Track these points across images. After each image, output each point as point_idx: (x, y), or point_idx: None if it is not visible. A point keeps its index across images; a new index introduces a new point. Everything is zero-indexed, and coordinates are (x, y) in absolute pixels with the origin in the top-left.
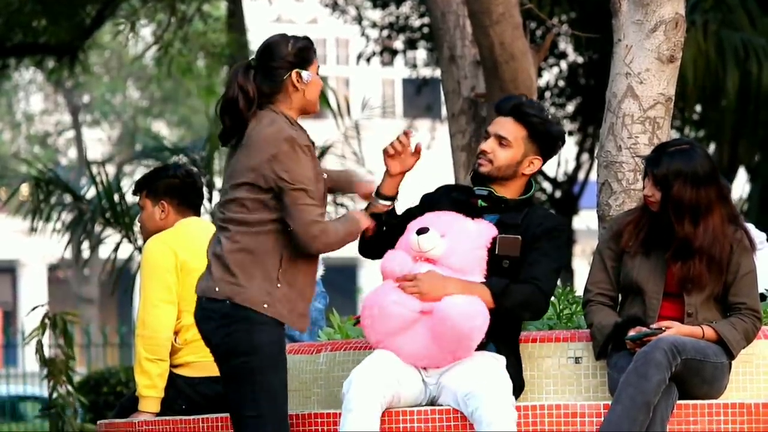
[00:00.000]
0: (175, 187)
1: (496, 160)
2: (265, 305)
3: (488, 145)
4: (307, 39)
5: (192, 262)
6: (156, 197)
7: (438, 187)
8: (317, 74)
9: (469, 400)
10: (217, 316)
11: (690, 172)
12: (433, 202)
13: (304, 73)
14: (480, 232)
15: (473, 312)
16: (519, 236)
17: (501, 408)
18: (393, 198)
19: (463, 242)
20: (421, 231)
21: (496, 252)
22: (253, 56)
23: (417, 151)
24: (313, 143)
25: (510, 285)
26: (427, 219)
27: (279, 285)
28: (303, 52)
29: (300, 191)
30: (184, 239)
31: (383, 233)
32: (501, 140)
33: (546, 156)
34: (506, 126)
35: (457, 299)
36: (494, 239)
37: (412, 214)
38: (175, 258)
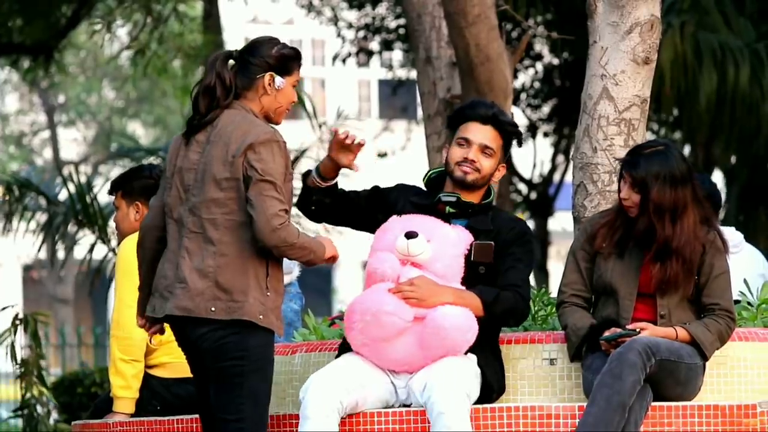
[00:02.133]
0: (149, 188)
1: (482, 169)
2: (261, 316)
3: (474, 154)
4: (294, 50)
5: None
6: (131, 198)
7: (394, 185)
8: (293, 88)
9: (425, 391)
10: (210, 325)
11: (668, 173)
12: (390, 200)
13: (278, 79)
14: (460, 239)
15: (466, 326)
16: (492, 242)
17: (453, 398)
18: (329, 179)
19: (446, 248)
20: (410, 235)
21: (472, 258)
22: (229, 50)
23: (357, 146)
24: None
25: (500, 294)
26: (407, 221)
27: (268, 294)
28: (285, 59)
29: (268, 183)
30: None
31: (316, 202)
32: (485, 149)
33: (506, 164)
34: (489, 135)
35: (451, 310)
36: (470, 245)
37: (363, 195)
38: None
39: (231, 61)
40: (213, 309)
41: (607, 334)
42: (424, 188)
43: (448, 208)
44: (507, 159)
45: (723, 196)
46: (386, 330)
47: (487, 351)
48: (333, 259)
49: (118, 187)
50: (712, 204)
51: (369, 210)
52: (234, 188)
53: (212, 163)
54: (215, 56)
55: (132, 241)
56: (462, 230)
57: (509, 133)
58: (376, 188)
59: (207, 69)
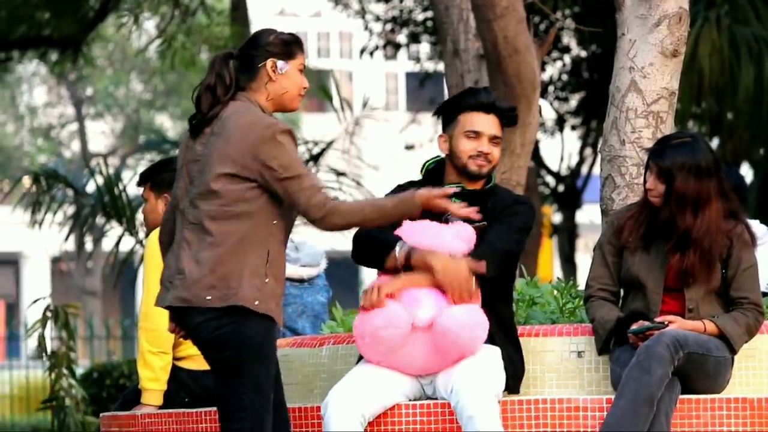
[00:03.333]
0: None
1: (494, 159)
2: (257, 302)
3: (486, 146)
4: (293, 35)
5: None
6: (159, 190)
7: (399, 186)
8: (301, 73)
9: (453, 394)
10: (206, 314)
11: (693, 164)
12: None
13: (280, 63)
14: (460, 244)
15: (473, 322)
16: (485, 222)
17: (482, 402)
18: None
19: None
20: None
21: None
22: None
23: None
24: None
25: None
26: (409, 234)
27: (267, 280)
28: (285, 44)
29: (291, 180)
30: None
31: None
32: (494, 139)
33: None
34: (495, 124)
35: (456, 310)
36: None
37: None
38: None
39: (232, 61)
40: (209, 298)
41: (634, 326)
42: (422, 179)
43: (453, 198)
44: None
45: (752, 190)
46: (390, 343)
47: (503, 334)
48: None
49: (146, 179)
50: (738, 197)
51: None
52: (235, 182)
53: (213, 155)
54: (215, 57)
55: (157, 234)
56: (463, 229)
57: (511, 118)
58: None
59: (208, 69)
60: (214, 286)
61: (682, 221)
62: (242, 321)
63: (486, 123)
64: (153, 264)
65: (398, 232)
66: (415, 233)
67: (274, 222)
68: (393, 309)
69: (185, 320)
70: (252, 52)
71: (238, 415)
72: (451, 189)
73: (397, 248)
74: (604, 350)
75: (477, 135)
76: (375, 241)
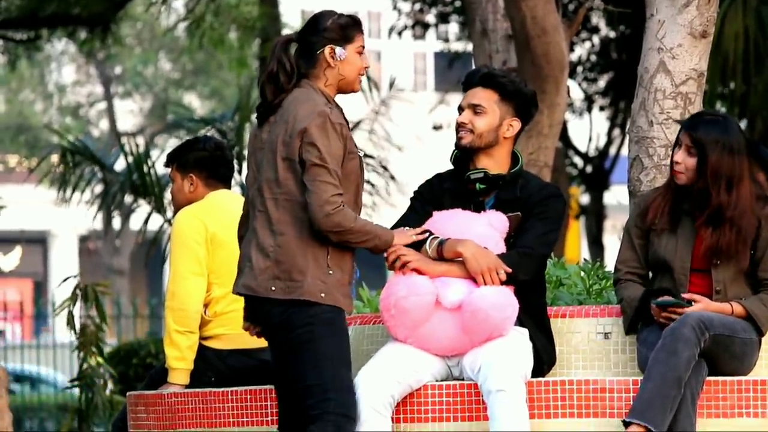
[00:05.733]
0: (204, 160)
1: (476, 129)
2: (323, 294)
3: (464, 116)
4: (352, 17)
5: (222, 235)
6: (185, 170)
7: (427, 180)
8: (361, 54)
9: (480, 373)
10: (272, 303)
11: (726, 140)
12: (434, 197)
13: (338, 49)
14: (492, 231)
15: (504, 303)
16: (519, 213)
17: (508, 379)
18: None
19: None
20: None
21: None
22: (285, 29)
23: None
24: (347, 122)
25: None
26: (442, 223)
27: (331, 272)
28: (342, 29)
29: (321, 168)
30: (214, 212)
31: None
32: (475, 109)
33: (524, 117)
34: (477, 94)
35: (488, 290)
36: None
37: (410, 218)
38: (205, 230)
39: (293, 45)
40: (273, 288)
41: (659, 300)
42: (452, 167)
43: (478, 185)
44: (521, 112)
45: None
46: (415, 313)
47: (534, 322)
48: (400, 259)
49: (173, 159)
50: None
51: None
52: (291, 168)
53: (276, 142)
54: (276, 42)
55: (187, 213)
56: (495, 217)
57: (503, 85)
58: (420, 194)
59: (269, 56)
60: (279, 277)
61: (717, 196)
62: (309, 308)
63: (469, 95)
64: (180, 243)
65: (430, 221)
66: (446, 223)
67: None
68: (417, 278)
69: (255, 308)
70: (310, 38)
71: (321, 390)
72: (421, 236)
73: (427, 243)
74: (631, 329)
75: (461, 110)
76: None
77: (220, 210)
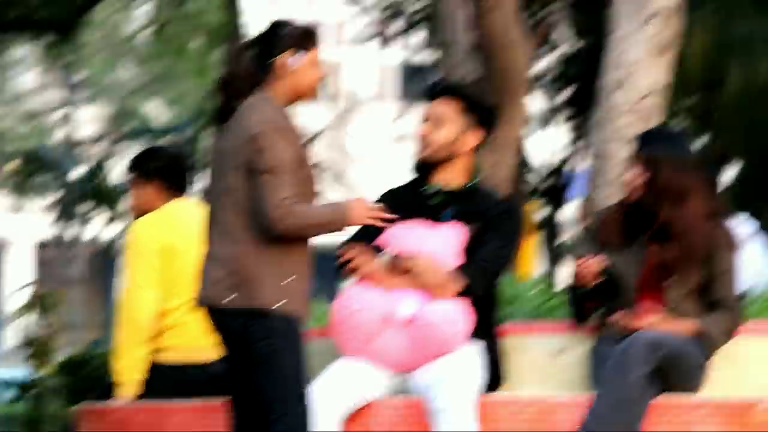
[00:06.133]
0: (163, 169)
1: (436, 141)
2: (281, 302)
3: (424, 128)
4: (309, 27)
5: (179, 245)
6: (144, 179)
7: (385, 192)
8: (316, 64)
9: (430, 390)
10: (230, 313)
11: (678, 157)
12: (391, 210)
13: (295, 57)
14: (447, 245)
15: (456, 317)
16: (475, 227)
17: (458, 397)
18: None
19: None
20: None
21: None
22: (248, 37)
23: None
24: (299, 129)
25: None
26: (397, 237)
27: (289, 279)
28: (300, 38)
29: (268, 173)
30: (171, 221)
31: None
32: (435, 121)
33: (484, 129)
34: (438, 106)
35: (439, 306)
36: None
37: (368, 230)
38: (161, 240)
39: (250, 51)
40: (229, 299)
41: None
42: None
43: (435, 198)
44: (482, 125)
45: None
46: (366, 328)
47: (485, 338)
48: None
49: (133, 167)
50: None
51: None
52: (245, 177)
53: (227, 151)
54: (233, 48)
55: (144, 222)
56: (451, 231)
57: (464, 95)
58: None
59: (227, 61)
60: (236, 287)
61: (664, 212)
62: (267, 319)
63: (426, 108)
64: (136, 253)
65: (387, 234)
66: (403, 235)
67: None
68: (368, 293)
69: (214, 318)
70: (267, 46)
71: (280, 406)
72: (384, 215)
73: (382, 256)
74: (580, 317)
75: (422, 122)
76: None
77: (177, 220)
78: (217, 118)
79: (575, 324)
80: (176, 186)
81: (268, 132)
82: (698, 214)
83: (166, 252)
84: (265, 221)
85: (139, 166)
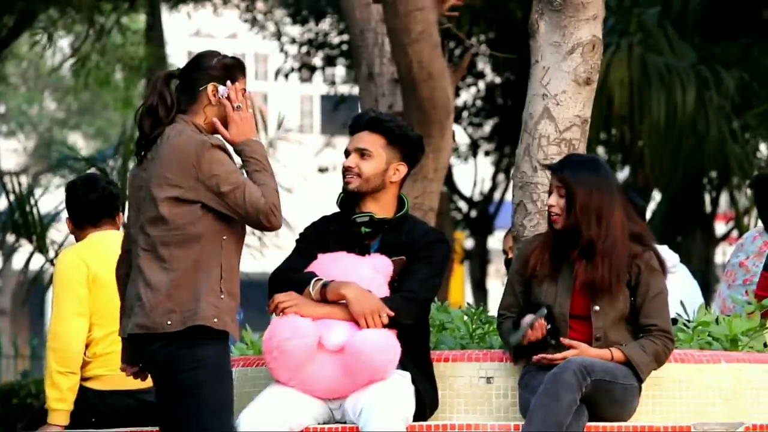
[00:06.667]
0: (79, 200)
1: (363, 173)
2: (215, 319)
3: (351, 160)
4: (236, 59)
5: (104, 275)
6: (71, 209)
7: (312, 223)
8: (243, 95)
9: (362, 416)
10: (162, 339)
11: (594, 179)
12: (319, 240)
13: (221, 88)
14: (376, 274)
15: (386, 346)
16: (404, 257)
17: (389, 424)
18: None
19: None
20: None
21: (393, 276)
22: (171, 69)
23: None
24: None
25: (390, 299)
26: (325, 267)
27: (223, 296)
28: (226, 68)
29: (236, 189)
30: (96, 252)
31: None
32: (362, 153)
33: (410, 161)
34: (364, 138)
35: (369, 334)
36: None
37: (296, 260)
38: (87, 270)
39: (174, 80)
40: (169, 322)
41: (517, 335)
42: (338, 209)
43: (363, 228)
44: (408, 157)
45: (657, 218)
46: (297, 355)
47: (417, 366)
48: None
49: (66, 196)
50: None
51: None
52: (180, 205)
53: (152, 181)
54: (156, 76)
55: (69, 253)
56: (379, 261)
57: (389, 129)
58: (308, 237)
59: (149, 90)
60: (174, 311)
61: (587, 231)
62: (197, 344)
63: (355, 139)
64: (62, 283)
65: (315, 264)
66: (331, 265)
67: (224, 237)
68: (300, 320)
69: (142, 348)
70: (193, 75)
71: None
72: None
73: (311, 285)
74: (518, 355)
75: (347, 154)
76: (290, 281)
77: (102, 250)
78: (138, 147)
79: (512, 359)
80: (101, 216)
81: (207, 158)
82: (620, 230)
83: (91, 282)
84: (260, 226)
85: (68, 195)
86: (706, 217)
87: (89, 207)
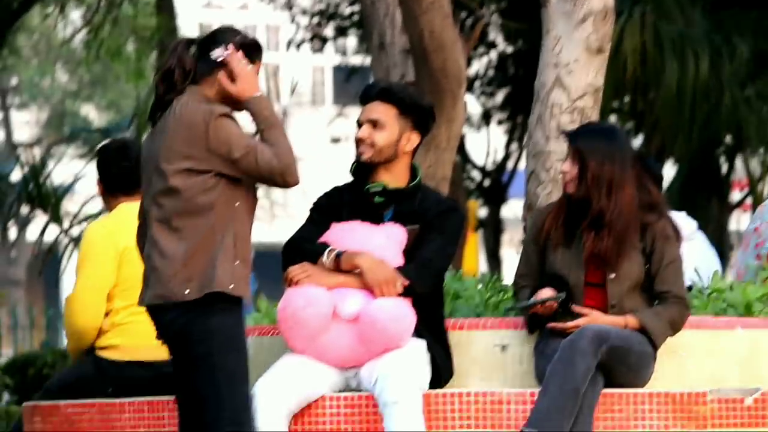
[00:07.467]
0: (106, 169)
1: (375, 143)
2: (232, 285)
3: (364, 131)
4: (256, 41)
5: (133, 247)
6: (100, 180)
7: (326, 192)
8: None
9: (377, 384)
10: (178, 308)
11: (608, 148)
12: (332, 209)
13: (219, 50)
14: (390, 243)
15: (401, 314)
16: (417, 226)
17: (404, 390)
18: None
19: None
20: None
21: (408, 246)
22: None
23: None
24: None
25: (405, 269)
26: (340, 235)
27: (237, 262)
28: (246, 48)
29: (248, 154)
30: (126, 224)
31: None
32: (374, 124)
33: (422, 130)
34: (376, 109)
35: (385, 302)
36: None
37: (309, 230)
38: (115, 245)
39: (192, 48)
40: (187, 291)
41: (523, 302)
42: (351, 179)
43: (377, 198)
44: (420, 126)
45: (674, 186)
46: (312, 324)
47: (432, 335)
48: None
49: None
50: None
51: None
52: (192, 176)
53: (159, 153)
54: (177, 41)
55: (98, 225)
56: (393, 230)
57: (401, 99)
58: (320, 206)
59: (168, 53)
60: (191, 278)
61: (597, 202)
62: (210, 313)
63: (365, 110)
64: (86, 255)
65: (328, 234)
66: (345, 235)
67: (237, 204)
68: (314, 290)
69: (157, 318)
70: (214, 46)
71: (215, 408)
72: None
73: (325, 255)
74: (532, 327)
75: (359, 125)
76: (304, 251)
77: (132, 221)
78: (152, 110)
79: (527, 329)
80: (135, 186)
81: (213, 122)
82: (630, 203)
83: (119, 256)
84: (278, 185)
85: (101, 161)
86: (721, 185)
87: (122, 176)
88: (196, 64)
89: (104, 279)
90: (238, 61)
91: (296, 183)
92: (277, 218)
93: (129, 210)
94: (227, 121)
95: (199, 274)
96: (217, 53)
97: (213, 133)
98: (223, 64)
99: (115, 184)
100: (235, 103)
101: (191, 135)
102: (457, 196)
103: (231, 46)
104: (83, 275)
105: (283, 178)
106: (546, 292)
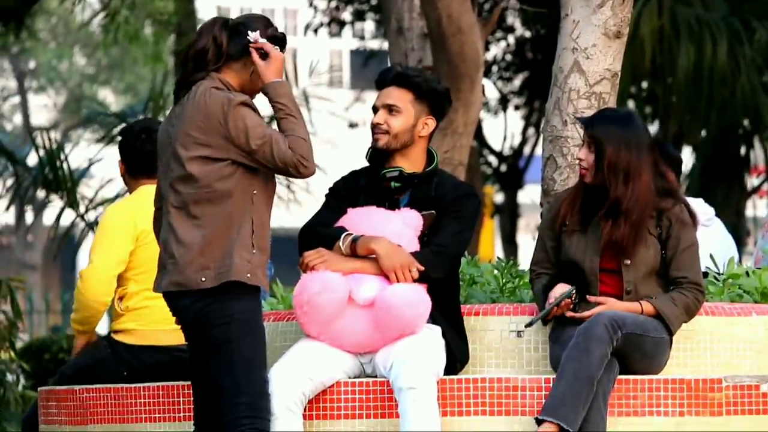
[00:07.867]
0: (126, 150)
1: (391, 129)
2: (248, 275)
3: (380, 117)
4: (284, 35)
5: (151, 231)
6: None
7: (342, 177)
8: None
9: (392, 370)
10: (194, 295)
11: (624, 135)
12: (349, 194)
13: (253, 34)
14: (405, 229)
15: (416, 300)
16: (433, 211)
17: (420, 376)
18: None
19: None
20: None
21: (424, 231)
22: (200, 24)
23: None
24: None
25: (421, 254)
26: (356, 221)
27: (254, 251)
28: (275, 40)
29: (264, 144)
30: (146, 207)
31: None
32: (390, 109)
33: (438, 115)
34: (392, 94)
35: (400, 287)
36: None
37: (325, 215)
38: (134, 227)
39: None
40: (203, 279)
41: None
42: (368, 164)
43: (393, 183)
44: (436, 110)
45: (693, 172)
46: (328, 310)
47: (447, 321)
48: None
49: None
50: (674, 169)
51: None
52: (209, 163)
53: (177, 139)
54: (213, 20)
55: (118, 207)
56: (409, 215)
57: (417, 84)
58: (336, 192)
59: (201, 32)
60: (207, 267)
61: (613, 190)
62: (228, 300)
63: (381, 96)
64: (103, 235)
65: (344, 218)
66: (361, 220)
67: (255, 192)
68: (330, 275)
69: (174, 304)
70: (244, 30)
71: (232, 392)
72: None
73: (341, 240)
74: (546, 319)
75: (375, 110)
76: (320, 236)
77: (151, 205)
78: (176, 89)
79: (541, 322)
80: (145, 169)
81: (231, 111)
82: (647, 190)
83: (137, 239)
84: (293, 176)
85: (123, 142)
86: (738, 171)
87: (145, 159)
88: (227, 46)
89: (119, 256)
90: (272, 46)
91: (311, 174)
92: (299, 204)
93: (149, 193)
94: (246, 110)
95: (215, 262)
96: (254, 35)
97: (232, 122)
98: (248, 53)
99: (138, 166)
100: (253, 93)
101: (209, 122)
102: (474, 181)
103: (264, 32)
104: (99, 251)
105: (297, 170)
106: (558, 290)
